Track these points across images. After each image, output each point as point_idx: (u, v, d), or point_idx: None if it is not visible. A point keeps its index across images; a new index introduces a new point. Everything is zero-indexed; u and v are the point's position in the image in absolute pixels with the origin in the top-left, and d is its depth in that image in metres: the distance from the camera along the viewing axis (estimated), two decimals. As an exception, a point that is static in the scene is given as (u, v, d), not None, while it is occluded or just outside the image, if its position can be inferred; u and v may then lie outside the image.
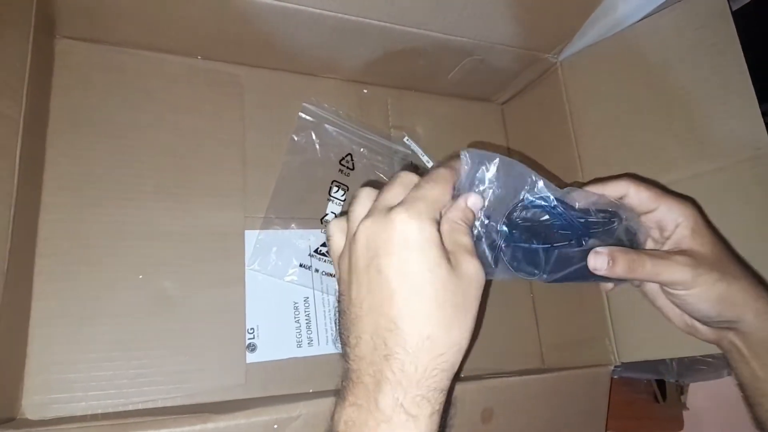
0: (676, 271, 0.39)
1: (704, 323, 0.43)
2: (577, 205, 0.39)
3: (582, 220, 0.39)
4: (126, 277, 0.51)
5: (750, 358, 0.41)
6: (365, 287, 0.33)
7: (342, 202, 0.62)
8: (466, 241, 0.34)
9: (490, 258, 0.36)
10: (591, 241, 0.39)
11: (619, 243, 0.41)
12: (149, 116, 0.55)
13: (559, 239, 0.38)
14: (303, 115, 0.62)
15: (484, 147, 0.74)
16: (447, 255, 0.33)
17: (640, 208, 0.42)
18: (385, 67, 0.65)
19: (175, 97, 0.57)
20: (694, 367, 0.69)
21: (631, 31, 0.59)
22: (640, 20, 0.58)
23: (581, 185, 0.42)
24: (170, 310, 0.52)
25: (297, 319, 0.57)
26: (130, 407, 0.48)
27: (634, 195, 0.42)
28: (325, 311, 0.58)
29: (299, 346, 0.56)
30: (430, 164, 0.69)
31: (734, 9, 0.53)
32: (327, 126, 0.63)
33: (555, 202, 0.38)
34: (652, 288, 0.45)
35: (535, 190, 0.37)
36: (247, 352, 0.53)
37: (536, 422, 0.55)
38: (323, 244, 0.60)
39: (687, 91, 0.55)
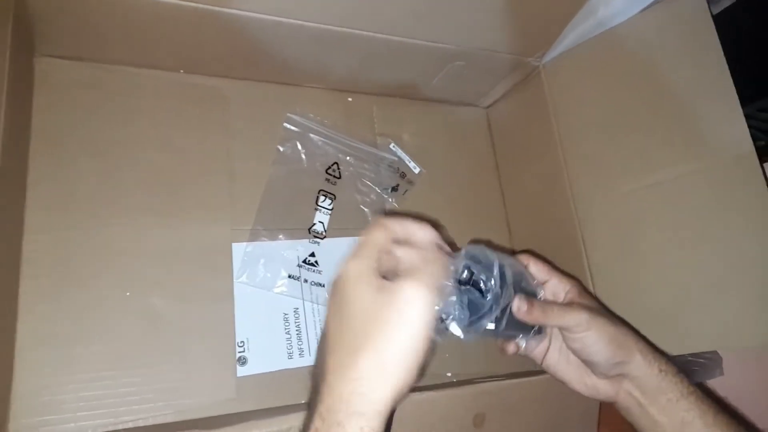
0: (575, 315, 0.45)
1: (601, 372, 0.46)
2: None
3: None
4: (113, 295, 0.51)
5: (647, 405, 0.45)
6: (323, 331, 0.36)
7: (329, 211, 0.62)
8: (407, 260, 0.35)
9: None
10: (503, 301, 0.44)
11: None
12: (133, 133, 0.55)
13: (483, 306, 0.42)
14: (288, 126, 0.62)
15: (469, 151, 0.75)
16: (379, 285, 0.34)
17: (538, 278, 0.49)
18: (369, 75, 0.65)
19: (158, 113, 0.57)
20: (686, 368, 0.68)
21: (612, 33, 0.60)
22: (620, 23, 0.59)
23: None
24: (159, 326, 0.51)
25: (287, 330, 0.56)
26: (121, 426, 0.47)
27: (533, 267, 0.49)
28: (315, 321, 0.58)
29: (290, 357, 0.56)
30: (417, 170, 0.69)
31: (715, 13, 0.53)
32: (312, 135, 0.63)
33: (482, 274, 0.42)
34: (553, 360, 0.49)
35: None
36: (237, 366, 0.53)
37: (529, 425, 0.56)
38: (312, 254, 0.59)
39: (670, 92, 0.55)
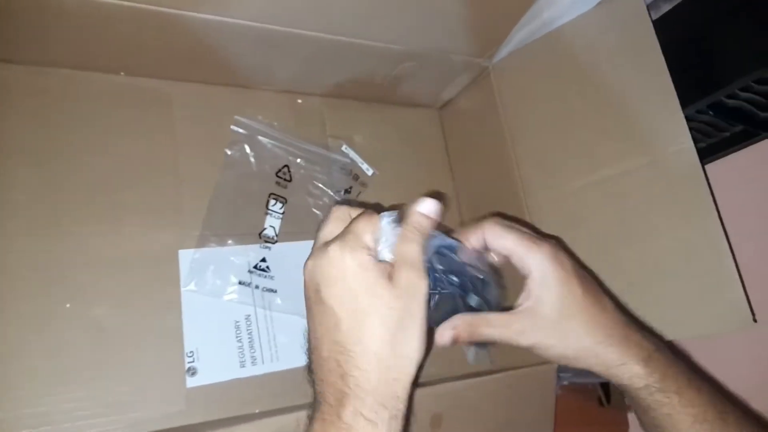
0: (516, 338, 0.41)
1: None
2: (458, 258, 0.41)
3: (458, 276, 0.41)
4: (54, 308, 0.48)
5: (630, 400, 0.43)
6: (316, 318, 0.37)
7: (280, 215, 0.61)
8: (408, 250, 0.37)
9: None
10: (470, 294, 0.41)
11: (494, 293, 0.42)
12: (73, 138, 0.53)
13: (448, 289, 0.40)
14: (235, 128, 0.61)
15: (423, 152, 0.75)
16: (386, 273, 0.36)
17: (500, 256, 0.43)
18: (318, 76, 0.64)
19: (99, 117, 0.55)
20: None
21: (556, 34, 0.61)
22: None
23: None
24: (103, 338, 0.49)
25: (239, 338, 0.55)
26: (64, 444, 0.45)
27: (493, 243, 0.42)
28: (268, 328, 0.56)
29: (243, 366, 0.54)
30: (369, 172, 0.69)
31: (654, 18, 0.55)
32: (261, 138, 0.62)
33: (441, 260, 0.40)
34: None
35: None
36: (187, 377, 0.51)
37: (486, 423, 0.56)
38: (263, 260, 0.58)
39: (612, 91, 0.56)
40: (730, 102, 0.57)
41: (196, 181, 0.58)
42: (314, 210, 0.63)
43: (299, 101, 0.67)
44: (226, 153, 0.60)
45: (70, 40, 0.51)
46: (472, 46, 0.64)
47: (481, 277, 0.41)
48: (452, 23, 0.58)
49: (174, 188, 0.57)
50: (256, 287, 0.57)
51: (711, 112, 0.59)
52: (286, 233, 0.61)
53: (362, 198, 0.67)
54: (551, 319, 0.40)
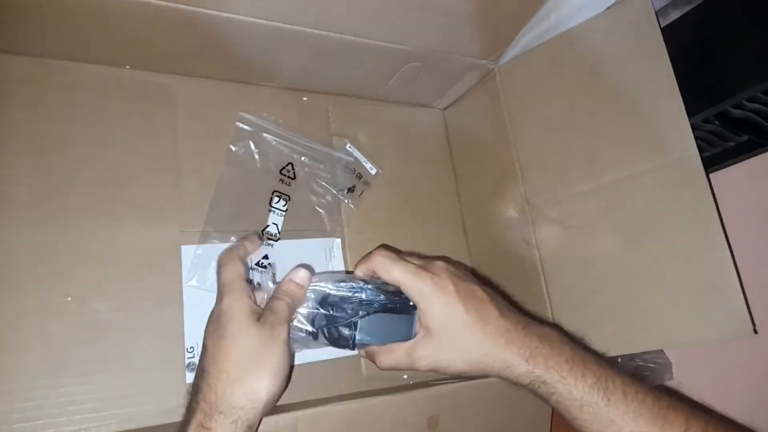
0: (416, 364, 0.46)
1: None
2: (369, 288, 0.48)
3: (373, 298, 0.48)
4: (51, 301, 0.48)
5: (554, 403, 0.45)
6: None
7: (283, 213, 0.61)
8: (276, 304, 0.45)
9: (310, 337, 0.47)
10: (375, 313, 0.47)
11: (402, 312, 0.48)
12: (75, 131, 0.53)
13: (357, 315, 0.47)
14: (241, 125, 0.61)
15: (426, 152, 0.75)
16: (254, 316, 0.43)
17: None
18: (323, 74, 0.64)
19: (102, 110, 0.55)
20: (638, 373, 0.69)
21: (563, 38, 0.61)
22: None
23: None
24: (102, 332, 0.49)
25: (239, 334, 0.55)
26: (60, 437, 0.45)
27: (383, 276, 0.48)
28: (268, 325, 0.56)
29: (242, 362, 0.54)
30: (373, 171, 0.69)
31: (663, 25, 0.55)
32: (266, 135, 0.62)
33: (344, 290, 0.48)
34: None
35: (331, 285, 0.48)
36: (187, 372, 0.52)
37: (482, 426, 0.56)
38: (265, 257, 0.58)
39: (618, 96, 0.56)
40: (737, 112, 0.57)
41: (198, 176, 0.58)
42: (317, 208, 0.63)
43: (304, 99, 0.67)
44: (230, 149, 0.60)
45: (73, 32, 0.51)
46: (478, 48, 0.64)
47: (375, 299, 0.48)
48: (459, 25, 0.58)
49: (175, 183, 0.57)
50: (258, 284, 0.57)
51: (717, 122, 0.59)
52: (289, 231, 0.61)
53: (365, 197, 0.67)
54: (442, 342, 0.46)
